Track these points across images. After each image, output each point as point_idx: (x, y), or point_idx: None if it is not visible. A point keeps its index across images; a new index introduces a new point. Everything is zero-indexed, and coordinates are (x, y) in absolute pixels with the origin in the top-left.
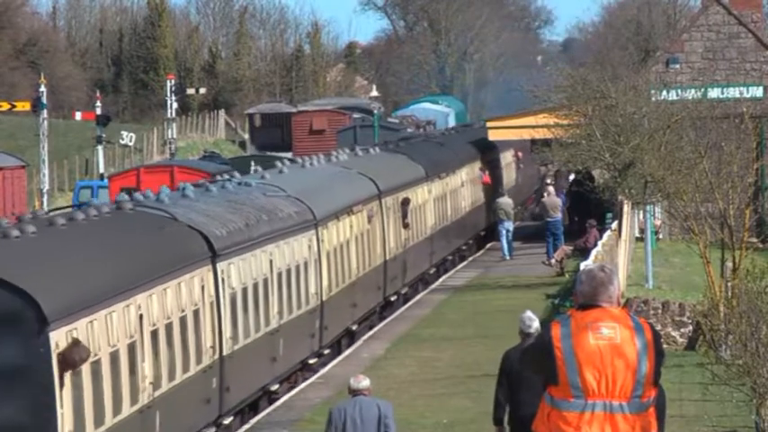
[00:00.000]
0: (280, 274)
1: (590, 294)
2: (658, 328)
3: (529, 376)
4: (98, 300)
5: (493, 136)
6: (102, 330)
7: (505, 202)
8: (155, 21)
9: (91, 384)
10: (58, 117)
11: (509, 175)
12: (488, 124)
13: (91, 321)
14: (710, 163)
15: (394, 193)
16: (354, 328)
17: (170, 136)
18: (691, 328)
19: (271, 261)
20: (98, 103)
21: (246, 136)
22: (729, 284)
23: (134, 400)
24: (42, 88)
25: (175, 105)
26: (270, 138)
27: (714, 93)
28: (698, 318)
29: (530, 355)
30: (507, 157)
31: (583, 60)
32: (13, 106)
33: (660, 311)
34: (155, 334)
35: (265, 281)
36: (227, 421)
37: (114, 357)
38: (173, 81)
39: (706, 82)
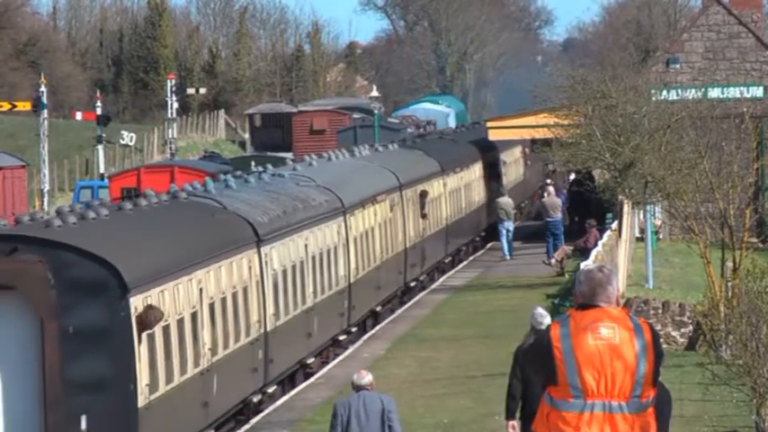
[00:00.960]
0: (314, 258)
1: (589, 295)
2: (658, 328)
3: None
4: (167, 273)
5: (493, 136)
6: (171, 299)
7: (505, 201)
8: (155, 21)
9: (162, 345)
10: (59, 117)
11: (517, 171)
12: (488, 124)
13: (161, 291)
14: (711, 163)
15: (413, 186)
16: (378, 309)
17: (170, 136)
18: (691, 328)
19: (306, 245)
20: (98, 103)
21: (247, 136)
22: (730, 284)
23: (196, 362)
24: (43, 88)
25: (176, 105)
26: (270, 138)
27: (714, 93)
28: (698, 318)
29: (529, 356)
30: (515, 153)
31: (583, 61)
32: (14, 106)
33: (660, 311)
34: (212, 306)
35: (301, 263)
36: (270, 390)
37: (180, 324)
38: (173, 81)
39: (706, 82)
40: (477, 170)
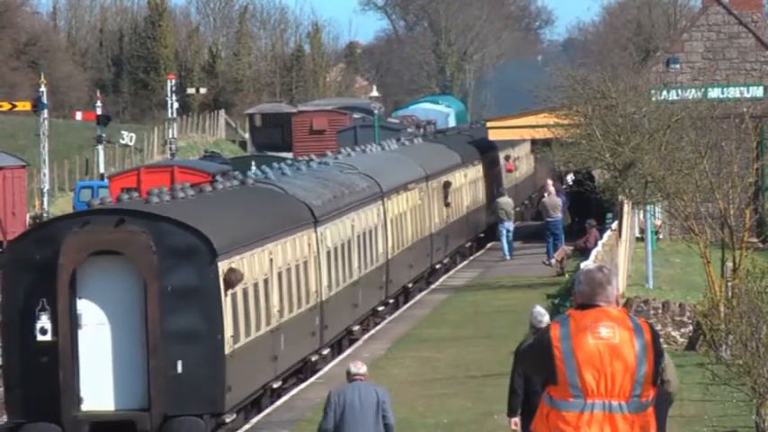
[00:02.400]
0: (358, 237)
1: (589, 295)
2: (658, 328)
3: None
4: (245, 243)
5: (493, 136)
6: (248, 266)
7: (505, 201)
8: (155, 21)
9: (242, 304)
10: (59, 117)
11: (528, 164)
12: (488, 124)
13: (242, 258)
14: (711, 163)
15: (438, 177)
16: (410, 285)
17: (170, 136)
18: (691, 328)
19: (352, 226)
20: (98, 103)
21: (247, 136)
22: (730, 284)
23: (268, 322)
24: (43, 88)
25: (176, 105)
26: (270, 138)
27: (714, 93)
28: (698, 318)
29: (529, 356)
30: (526, 147)
31: (583, 61)
32: (14, 106)
33: (660, 311)
34: (280, 275)
35: (349, 242)
36: (324, 352)
37: (255, 287)
38: (173, 81)
39: (706, 82)
40: (500, 158)
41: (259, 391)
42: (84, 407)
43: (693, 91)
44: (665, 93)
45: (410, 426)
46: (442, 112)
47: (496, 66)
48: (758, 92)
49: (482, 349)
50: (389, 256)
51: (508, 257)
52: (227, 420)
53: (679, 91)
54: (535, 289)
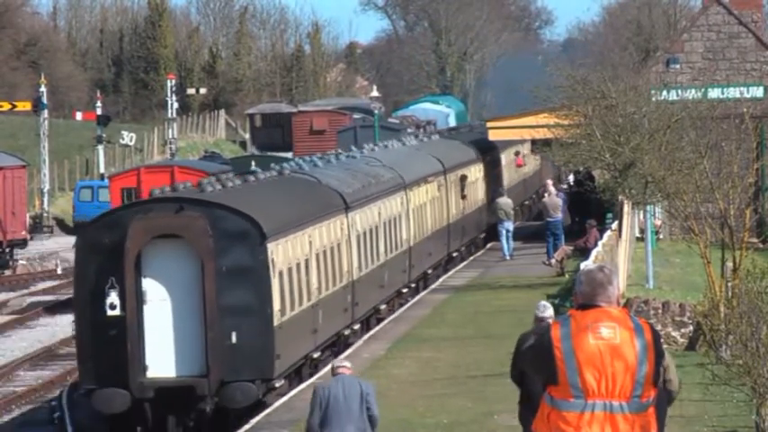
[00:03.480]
0: (384, 223)
1: (589, 295)
2: (659, 328)
3: None
4: (289, 227)
5: (493, 136)
6: (293, 248)
7: (505, 202)
8: (155, 21)
9: (288, 282)
10: (59, 117)
11: (535, 160)
12: (488, 124)
13: (287, 241)
14: (711, 163)
15: (455, 170)
16: (429, 272)
17: (170, 136)
18: (691, 328)
19: (379, 213)
20: (98, 103)
21: (247, 136)
22: (730, 285)
23: (309, 297)
24: (43, 88)
25: (176, 105)
26: (270, 138)
27: (714, 93)
28: (698, 318)
29: (529, 356)
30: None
31: (583, 61)
32: (14, 106)
33: (660, 312)
34: (317, 256)
35: (376, 227)
36: (355, 327)
37: (298, 266)
38: (173, 81)
39: (706, 82)
40: (505, 157)
41: (301, 360)
42: (149, 374)
43: (693, 91)
44: (665, 93)
45: (410, 426)
46: (442, 112)
47: (496, 66)
48: (758, 92)
49: (482, 349)
50: (411, 243)
51: (508, 258)
52: (276, 385)
53: (679, 91)
54: (535, 289)
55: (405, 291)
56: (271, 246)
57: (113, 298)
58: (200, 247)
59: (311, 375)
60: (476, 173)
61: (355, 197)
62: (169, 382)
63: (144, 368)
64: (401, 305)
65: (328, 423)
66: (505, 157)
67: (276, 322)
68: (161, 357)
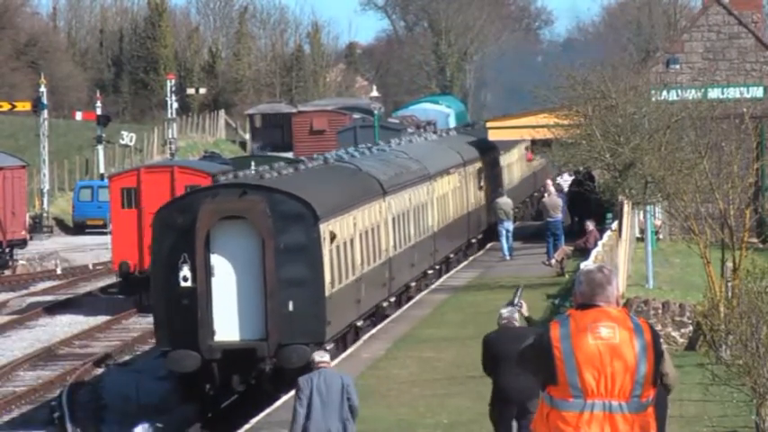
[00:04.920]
0: (413, 209)
1: (588, 295)
2: (658, 328)
3: (505, 351)
4: (338, 210)
5: (493, 136)
6: (341, 228)
7: (505, 202)
8: (155, 21)
9: (336, 258)
10: (59, 117)
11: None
12: (488, 124)
13: (336, 222)
14: (711, 163)
15: (473, 163)
16: (451, 256)
17: (170, 136)
18: (691, 328)
19: (409, 199)
20: (98, 104)
21: (247, 136)
22: (729, 285)
23: (353, 272)
24: (43, 88)
25: (175, 105)
26: (270, 138)
27: (714, 93)
28: (698, 318)
29: (528, 356)
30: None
31: (584, 60)
32: (14, 106)
33: (660, 312)
34: (361, 235)
35: (406, 212)
36: (392, 300)
37: (345, 244)
38: (173, 81)
39: (706, 82)
40: (517, 152)
41: (347, 328)
42: (217, 338)
43: (693, 91)
44: (664, 93)
45: (410, 426)
46: (443, 112)
47: (496, 66)
48: (758, 92)
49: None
50: (436, 229)
51: (508, 258)
52: (327, 348)
53: (679, 91)
54: (535, 289)
55: (430, 272)
56: (323, 226)
57: (185, 271)
58: (261, 227)
59: (354, 342)
60: (491, 166)
61: (391, 184)
62: (234, 344)
63: (212, 333)
64: (427, 286)
65: (312, 415)
66: (518, 152)
67: (327, 293)
68: (227, 323)
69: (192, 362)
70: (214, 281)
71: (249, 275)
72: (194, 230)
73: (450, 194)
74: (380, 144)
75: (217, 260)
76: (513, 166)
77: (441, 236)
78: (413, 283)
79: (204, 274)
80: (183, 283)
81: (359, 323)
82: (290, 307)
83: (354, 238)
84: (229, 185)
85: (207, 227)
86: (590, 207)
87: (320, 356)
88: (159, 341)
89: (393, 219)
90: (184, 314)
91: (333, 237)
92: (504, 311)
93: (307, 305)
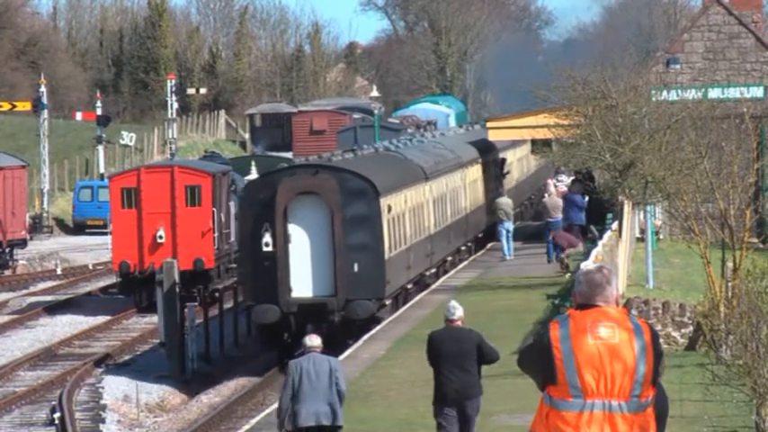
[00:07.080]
0: (451, 193)
1: (588, 295)
2: (659, 328)
3: (447, 350)
4: (393, 188)
5: (493, 136)
6: (395, 203)
7: (505, 202)
8: (155, 21)
9: (393, 229)
10: (59, 117)
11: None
12: (488, 124)
13: (393, 198)
14: (711, 163)
15: (498, 153)
16: (480, 236)
17: (170, 136)
18: (691, 328)
19: (446, 184)
20: (98, 104)
21: (247, 136)
22: (730, 285)
23: (404, 243)
24: (43, 88)
25: (176, 105)
26: (270, 138)
27: (714, 93)
28: (698, 318)
29: (528, 356)
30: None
31: (584, 60)
32: (14, 106)
33: (661, 312)
34: (411, 210)
35: (445, 195)
36: (432, 270)
37: (397, 218)
38: (173, 81)
39: (706, 82)
40: (528, 147)
41: (400, 289)
42: (293, 294)
43: (693, 91)
44: (665, 93)
45: (410, 426)
46: (443, 112)
47: (496, 66)
48: (758, 92)
49: None
50: (468, 211)
51: (508, 258)
52: (386, 303)
53: (679, 91)
54: (535, 289)
55: (463, 248)
56: (383, 200)
57: (267, 238)
58: (331, 201)
59: (405, 302)
60: (512, 156)
61: (431, 170)
62: (308, 300)
63: (289, 290)
64: (461, 261)
65: (301, 397)
66: (527, 147)
67: (386, 257)
68: (302, 282)
69: (272, 314)
70: (291, 246)
71: (321, 242)
72: (274, 204)
73: (478, 181)
74: (419, 136)
75: (293, 229)
76: (527, 158)
77: (470, 218)
78: (449, 258)
79: (283, 240)
80: (265, 248)
81: (409, 286)
82: (356, 268)
83: (405, 214)
84: (304, 166)
85: (285, 201)
86: (590, 207)
87: (311, 341)
88: (245, 297)
89: (434, 200)
90: (266, 274)
91: (389, 209)
92: (457, 314)
93: (369, 267)
